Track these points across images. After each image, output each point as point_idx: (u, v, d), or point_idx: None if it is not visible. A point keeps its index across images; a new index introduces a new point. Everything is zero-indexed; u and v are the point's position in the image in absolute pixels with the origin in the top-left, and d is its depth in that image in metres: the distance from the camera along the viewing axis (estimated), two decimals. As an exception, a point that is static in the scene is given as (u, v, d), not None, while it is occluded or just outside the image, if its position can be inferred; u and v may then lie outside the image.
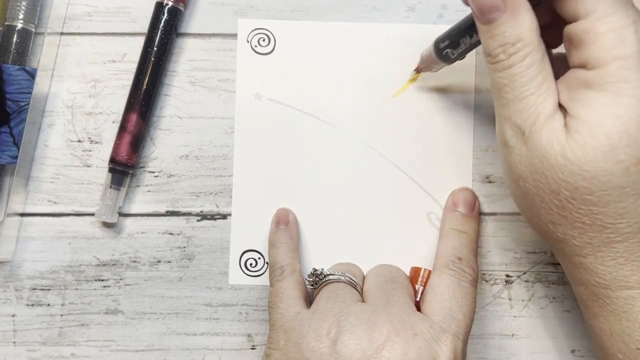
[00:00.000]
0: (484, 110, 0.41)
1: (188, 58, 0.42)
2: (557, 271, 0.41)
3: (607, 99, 0.29)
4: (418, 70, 0.41)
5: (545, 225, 0.32)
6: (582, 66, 0.30)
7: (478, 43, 0.34)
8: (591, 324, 0.34)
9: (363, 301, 0.36)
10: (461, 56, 0.37)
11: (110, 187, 0.40)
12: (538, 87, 0.31)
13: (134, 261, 0.41)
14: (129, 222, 0.41)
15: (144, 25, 0.41)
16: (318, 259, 0.41)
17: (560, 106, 0.31)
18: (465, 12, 0.34)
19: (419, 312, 0.35)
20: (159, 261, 0.41)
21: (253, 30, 0.42)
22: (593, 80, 0.30)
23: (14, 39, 0.40)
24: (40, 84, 0.41)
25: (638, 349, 0.32)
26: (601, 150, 0.29)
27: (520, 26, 0.30)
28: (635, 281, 0.31)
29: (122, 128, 0.40)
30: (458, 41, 0.35)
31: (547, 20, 0.33)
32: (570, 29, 0.30)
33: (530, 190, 0.32)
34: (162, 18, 0.40)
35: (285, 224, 0.40)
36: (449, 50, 0.36)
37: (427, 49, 0.38)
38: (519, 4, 0.30)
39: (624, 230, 0.30)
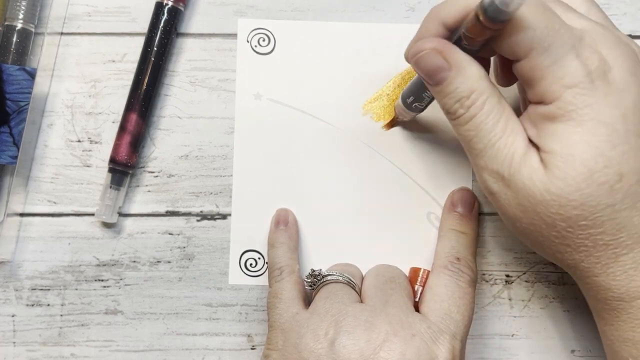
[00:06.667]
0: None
1: (188, 58, 0.42)
2: (557, 271, 0.41)
3: (572, 128, 0.30)
4: (394, 121, 0.41)
5: (554, 255, 0.33)
6: (540, 102, 0.31)
7: None
8: (604, 330, 0.34)
9: (361, 301, 0.36)
10: (430, 103, 0.37)
11: (110, 187, 0.40)
12: (504, 129, 0.31)
13: (134, 261, 0.41)
14: (128, 222, 0.41)
15: (144, 25, 0.41)
16: (318, 259, 0.41)
17: (531, 141, 0.31)
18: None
19: (417, 313, 0.35)
20: (158, 261, 0.41)
21: (253, 30, 0.42)
22: (554, 113, 0.30)
23: (14, 39, 0.40)
24: (40, 84, 0.41)
25: None
26: (582, 178, 0.30)
27: (469, 78, 0.31)
28: None
29: (122, 128, 0.40)
30: (421, 95, 0.36)
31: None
32: (517, 68, 0.31)
33: (528, 229, 0.32)
34: (162, 18, 0.40)
35: (284, 224, 0.40)
36: (416, 104, 0.37)
37: (398, 102, 0.39)
38: (460, 58, 0.31)
39: (626, 242, 0.31)
